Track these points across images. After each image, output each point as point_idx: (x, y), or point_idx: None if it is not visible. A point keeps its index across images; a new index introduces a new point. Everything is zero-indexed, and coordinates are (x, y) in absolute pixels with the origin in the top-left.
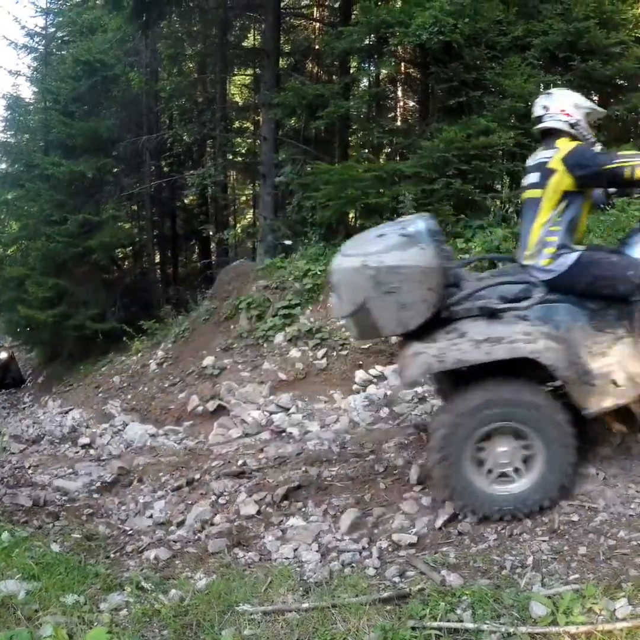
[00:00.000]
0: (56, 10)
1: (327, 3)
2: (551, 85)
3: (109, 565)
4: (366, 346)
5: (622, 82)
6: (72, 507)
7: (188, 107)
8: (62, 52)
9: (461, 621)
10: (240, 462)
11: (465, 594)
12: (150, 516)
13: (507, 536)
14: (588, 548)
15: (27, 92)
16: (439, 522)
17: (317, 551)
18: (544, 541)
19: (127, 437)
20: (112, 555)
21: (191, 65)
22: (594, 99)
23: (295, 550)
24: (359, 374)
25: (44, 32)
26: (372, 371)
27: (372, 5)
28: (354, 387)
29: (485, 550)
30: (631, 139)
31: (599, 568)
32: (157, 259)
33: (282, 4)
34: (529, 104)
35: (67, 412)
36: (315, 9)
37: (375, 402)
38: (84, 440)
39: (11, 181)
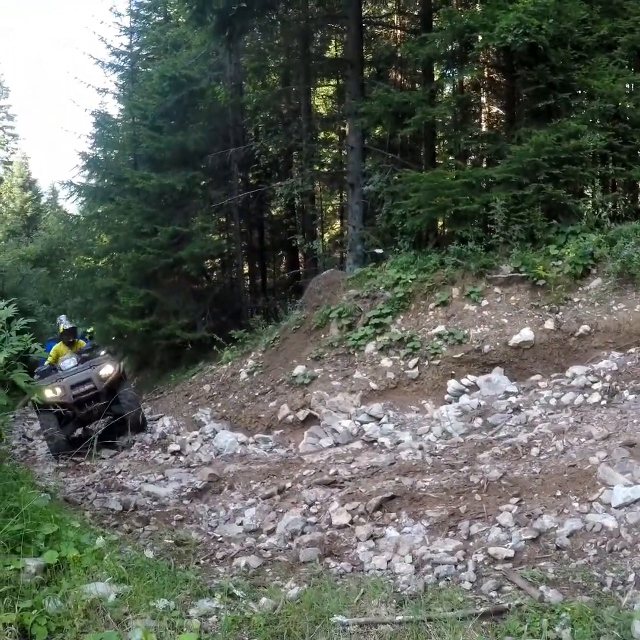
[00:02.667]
0: (140, 29)
1: (407, 11)
2: None
3: (199, 572)
4: (458, 356)
5: None
6: (162, 512)
7: (273, 119)
8: (148, 69)
9: (560, 639)
10: (332, 471)
11: (564, 610)
12: (241, 523)
13: (607, 551)
14: None
15: (114, 109)
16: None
17: (411, 563)
18: None
19: (217, 444)
20: (202, 562)
21: (275, 78)
22: None
23: (389, 561)
24: (452, 384)
25: (129, 51)
26: (465, 381)
27: (455, 10)
28: (446, 396)
29: (584, 565)
30: None
31: None
32: (246, 269)
33: (363, 13)
34: (619, 104)
35: (157, 419)
36: (396, 16)
37: (468, 412)
38: (174, 447)
39: (102, 195)
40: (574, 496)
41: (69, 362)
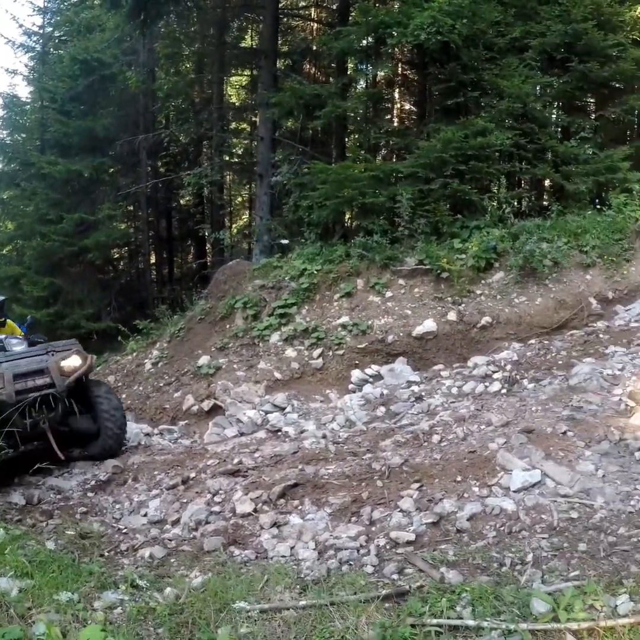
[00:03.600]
0: (54, 9)
1: (325, 4)
2: (548, 86)
3: (103, 564)
4: (362, 346)
5: (619, 84)
6: (66, 505)
7: (185, 107)
8: (60, 51)
9: (461, 618)
10: (236, 460)
11: (465, 591)
12: (145, 514)
13: (506, 533)
14: (588, 545)
15: (24, 91)
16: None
17: (314, 549)
18: (543, 538)
19: None
20: (106, 554)
21: (188, 65)
22: (590, 100)
23: (292, 548)
24: (355, 374)
25: (41, 31)
26: (369, 370)
27: (371, 5)
28: (350, 386)
29: (484, 547)
30: (628, 141)
31: (600, 565)
32: (153, 259)
33: (280, 5)
34: (526, 104)
35: None
36: (313, 9)
37: (371, 401)
38: None
39: (7, 180)
40: (474, 481)
41: (16, 342)
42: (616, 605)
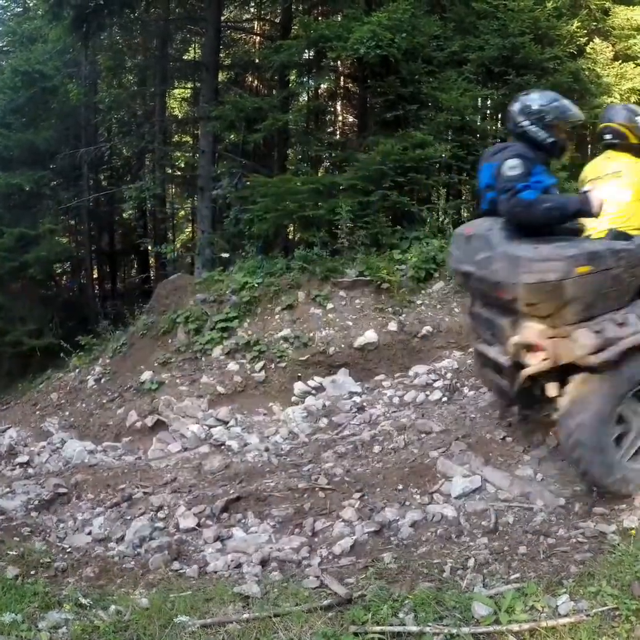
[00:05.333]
0: None
1: (268, 17)
2: (487, 99)
3: (47, 584)
4: (304, 358)
5: None
6: (10, 526)
7: (127, 120)
8: (1, 63)
9: (404, 625)
10: (179, 475)
11: (407, 597)
12: (89, 533)
13: (447, 539)
14: (528, 547)
15: None
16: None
17: (257, 562)
18: (484, 543)
19: (66, 454)
20: (50, 573)
21: (131, 78)
22: None
23: (235, 561)
24: (298, 386)
25: None
26: (311, 382)
27: (311, 20)
28: (293, 398)
29: (425, 554)
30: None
31: (540, 566)
32: (95, 274)
33: (223, 17)
34: (465, 117)
35: (4, 431)
36: (256, 22)
37: (314, 412)
38: (22, 458)
39: None
40: (415, 489)
41: None
42: (557, 606)
